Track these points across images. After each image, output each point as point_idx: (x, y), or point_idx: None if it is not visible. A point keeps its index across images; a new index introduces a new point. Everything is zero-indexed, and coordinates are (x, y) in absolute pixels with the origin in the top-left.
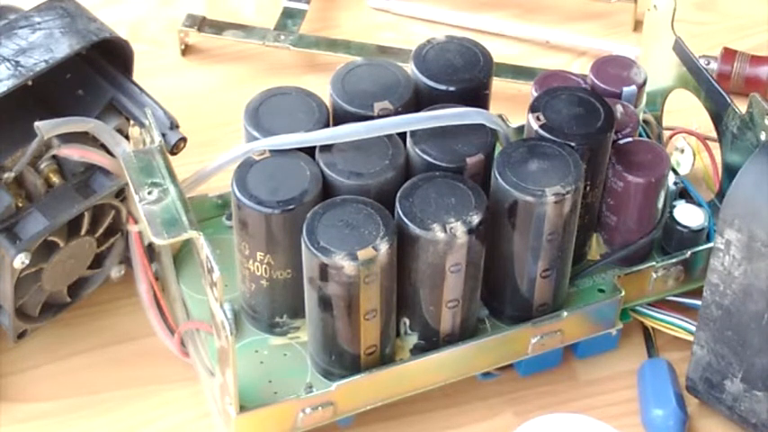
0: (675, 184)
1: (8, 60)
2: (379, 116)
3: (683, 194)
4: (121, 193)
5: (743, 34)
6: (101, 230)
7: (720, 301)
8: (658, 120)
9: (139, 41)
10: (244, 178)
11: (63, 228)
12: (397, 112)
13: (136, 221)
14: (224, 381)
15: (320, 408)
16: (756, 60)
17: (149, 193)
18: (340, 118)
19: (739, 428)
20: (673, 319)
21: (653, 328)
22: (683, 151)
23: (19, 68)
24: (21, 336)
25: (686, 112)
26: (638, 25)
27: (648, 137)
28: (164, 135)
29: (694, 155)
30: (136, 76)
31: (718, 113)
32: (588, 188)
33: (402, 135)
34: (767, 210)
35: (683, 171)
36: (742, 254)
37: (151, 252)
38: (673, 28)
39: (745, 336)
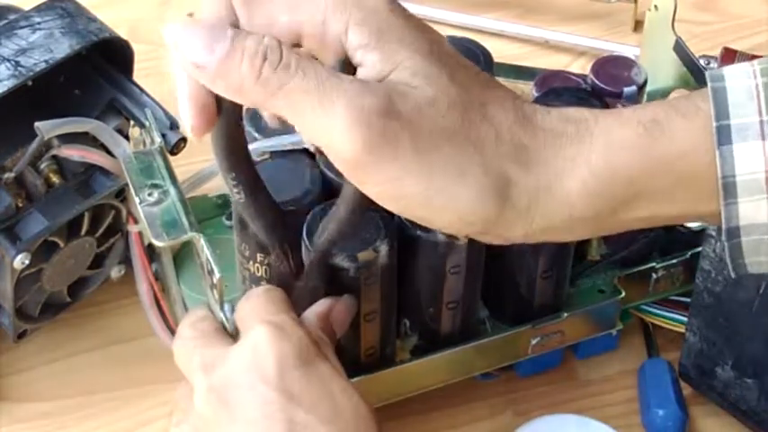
0: None
1: (8, 60)
2: None
3: None
4: (121, 194)
5: (743, 34)
6: (101, 230)
7: (712, 287)
8: None
9: (139, 41)
10: None
11: (63, 228)
12: None
13: (136, 221)
14: None
15: None
16: None
17: (149, 194)
18: None
19: (733, 418)
20: (673, 314)
21: (653, 326)
22: None
23: (19, 68)
24: (21, 336)
25: None
26: (638, 25)
27: None
28: (164, 135)
29: None
30: (136, 76)
31: None
32: None
33: None
34: None
35: None
36: None
37: (151, 252)
38: (673, 28)
39: (735, 323)
